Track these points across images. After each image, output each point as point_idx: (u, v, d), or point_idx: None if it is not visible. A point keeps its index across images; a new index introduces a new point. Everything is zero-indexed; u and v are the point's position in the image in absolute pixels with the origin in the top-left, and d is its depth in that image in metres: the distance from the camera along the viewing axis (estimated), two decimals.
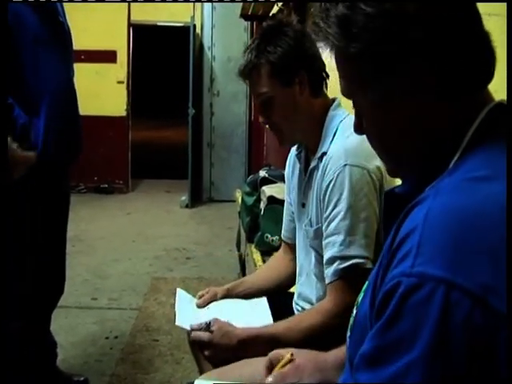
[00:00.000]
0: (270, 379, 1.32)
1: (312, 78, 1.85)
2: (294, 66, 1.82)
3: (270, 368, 1.37)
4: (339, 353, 1.38)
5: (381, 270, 0.92)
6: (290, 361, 1.36)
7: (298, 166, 2.06)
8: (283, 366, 1.35)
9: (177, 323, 1.99)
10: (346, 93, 1.07)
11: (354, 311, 1.08)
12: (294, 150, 2.08)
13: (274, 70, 1.82)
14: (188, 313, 2.05)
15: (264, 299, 2.12)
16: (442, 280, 0.78)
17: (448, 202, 0.85)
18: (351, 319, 1.09)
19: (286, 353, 1.38)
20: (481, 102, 0.97)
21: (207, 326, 1.82)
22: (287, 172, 2.16)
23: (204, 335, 1.80)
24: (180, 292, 2.18)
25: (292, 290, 2.21)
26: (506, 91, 0.99)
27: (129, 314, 4.52)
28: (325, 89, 1.92)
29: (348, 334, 1.10)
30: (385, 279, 0.87)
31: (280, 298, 2.16)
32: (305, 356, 1.39)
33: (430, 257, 0.80)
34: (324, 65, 1.88)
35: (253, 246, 3.56)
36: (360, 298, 1.06)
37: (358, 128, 1.09)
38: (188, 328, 1.91)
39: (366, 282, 1.05)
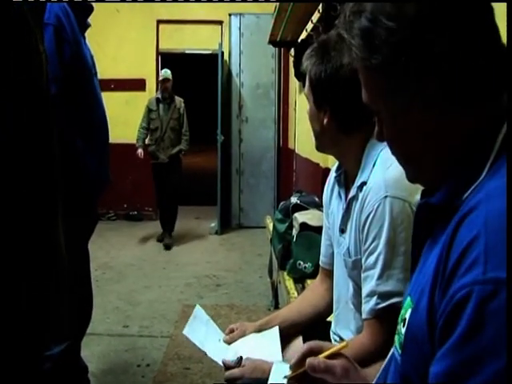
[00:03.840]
0: (314, 361, 1.19)
1: (338, 116, 1.79)
2: (322, 95, 1.80)
3: (307, 355, 1.23)
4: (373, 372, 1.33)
5: (439, 279, 0.91)
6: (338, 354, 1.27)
7: (336, 188, 2.00)
8: (333, 353, 1.27)
9: (184, 332, 2.01)
10: (367, 101, 1.10)
11: (402, 329, 1.05)
12: (333, 171, 2.04)
13: (311, 82, 1.81)
14: (199, 331, 2.05)
15: (276, 329, 2.07)
16: None
17: (504, 204, 0.84)
18: (398, 337, 1.07)
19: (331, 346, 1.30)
20: (503, 106, 0.98)
21: (238, 362, 1.81)
22: (325, 195, 2.11)
23: (236, 371, 1.79)
24: (198, 309, 2.16)
25: (329, 318, 2.16)
26: (507, 91, 0.98)
27: (160, 342, 4.50)
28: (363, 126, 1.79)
29: (398, 352, 1.07)
30: (447, 291, 0.86)
31: (316, 328, 2.12)
32: (352, 364, 1.25)
33: (500, 261, 0.80)
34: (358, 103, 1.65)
35: (285, 273, 3.54)
36: (407, 315, 1.03)
37: (379, 135, 1.12)
38: (196, 343, 1.97)
39: (408, 298, 1.04)
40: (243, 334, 2.08)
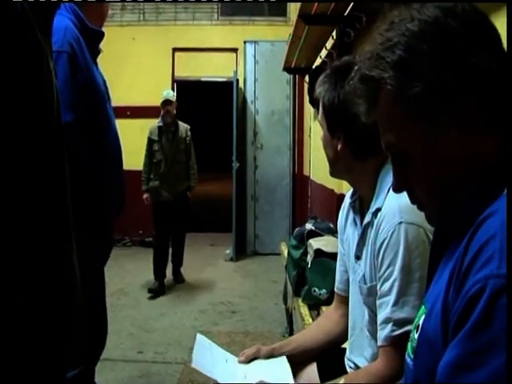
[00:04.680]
0: None
1: (352, 143, 1.79)
2: (336, 121, 1.80)
3: None
4: None
5: (453, 282, 0.92)
6: None
7: (351, 215, 1.99)
8: None
9: (192, 364, 1.96)
10: (392, 142, 1.07)
11: (416, 335, 1.05)
12: (347, 197, 2.03)
13: (324, 109, 1.82)
14: (205, 359, 2.02)
15: (284, 358, 2.05)
16: None
17: None
18: (410, 344, 1.08)
19: None
20: None
21: None
22: (340, 222, 2.09)
23: None
24: (199, 336, 2.14)
25: (344, 345, 2.15)
26: (505, 93, 0.99)
27: (174, 368, 4.49)
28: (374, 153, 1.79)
29: (410, 357, 1.08)
30: (462, 289, 0.88)
31: (330, 355, 2.11)
32: None
33: None
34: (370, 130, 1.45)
35: (300, 299, 3.52)
36: (420, 321, 1.04)
37: (401, 183, 1.10)
38: (206, 373, 1.90)
39: (422, 307, 1.05)
40: (257, 353, 2.06)
